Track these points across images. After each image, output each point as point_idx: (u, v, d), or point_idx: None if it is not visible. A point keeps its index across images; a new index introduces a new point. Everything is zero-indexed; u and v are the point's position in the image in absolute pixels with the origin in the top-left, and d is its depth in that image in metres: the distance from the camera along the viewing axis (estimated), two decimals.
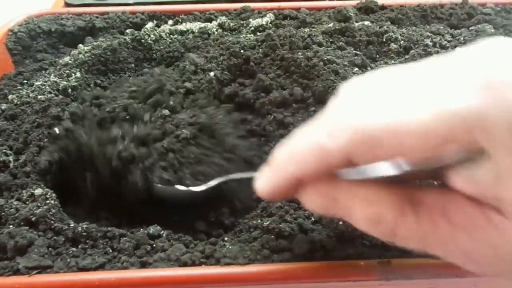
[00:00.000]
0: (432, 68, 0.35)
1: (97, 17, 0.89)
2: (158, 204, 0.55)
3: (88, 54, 0.77)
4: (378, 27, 0.81)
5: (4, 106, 0.69)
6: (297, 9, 0.91)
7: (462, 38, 0.80)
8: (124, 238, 0.54)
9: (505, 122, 0.29)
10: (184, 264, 0.50)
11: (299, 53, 0.71)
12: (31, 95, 0.69)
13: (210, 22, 0.89)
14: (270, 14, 0.89)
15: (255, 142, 0.64)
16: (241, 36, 0.79)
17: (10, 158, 0.61)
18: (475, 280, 0.50)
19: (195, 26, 0.86)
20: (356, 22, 0.84)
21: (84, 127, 0.61)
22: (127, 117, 0.60)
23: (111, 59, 0.78)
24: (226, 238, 0.53)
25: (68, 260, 0.50)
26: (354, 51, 0.76)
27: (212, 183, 0.54)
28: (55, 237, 0.53)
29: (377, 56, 0.78)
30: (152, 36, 0.83)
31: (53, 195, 0.57)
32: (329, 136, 0.35)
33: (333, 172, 0.37)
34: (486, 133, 0.30)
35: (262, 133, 0.66)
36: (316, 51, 0.72)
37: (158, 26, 0.88)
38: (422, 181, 0.40)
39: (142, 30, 0.85)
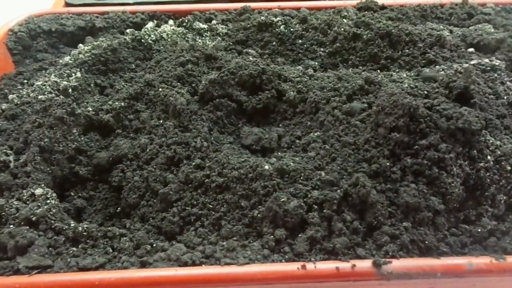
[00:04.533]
0: None
1: (97, 17, 0.90)
2: None
3: (88, 54, 0.77)
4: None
5: (4, 106, 0.69)
6: (297, 9, 0.91)
7: (460, 33, 0.81)
8: (124, 238, 0.55)
9: None
10: (184, 264, 0.50)
11: None
12: (31, 95, 0.69)
13: (210, 22, 0.89)
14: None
15: None
16: None
17: (11, 158, 0.61)
18: (473, 280, 0.51)
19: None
20: None
21: None
22: None
23: (111, 59, 0.78)
24: (224, 243, 0.54)
25: (69, 260, 0.50)
26: None
27: None
28: (56, 237, 0.53)
29: None
30: (152, 36, 0.83)
31: (54, 194, 0.58)
32: None
33: None
34: None
35: None
36: None
37: (158, 26, 0.88)
38: None
39: (142, 30, 0.85)
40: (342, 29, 0.81)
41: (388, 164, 0.56)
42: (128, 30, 0.86)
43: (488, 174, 0.58)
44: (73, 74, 0.73)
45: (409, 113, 0.57)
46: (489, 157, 0.58)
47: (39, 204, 0.55)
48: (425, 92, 0.62)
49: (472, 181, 0.57)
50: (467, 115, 0.57)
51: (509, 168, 0.58)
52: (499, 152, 0.59)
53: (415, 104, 0.57)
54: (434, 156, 0.55)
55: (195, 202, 0.57)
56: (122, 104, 0.69)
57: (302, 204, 0.54)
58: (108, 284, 0.47)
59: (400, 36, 0.78)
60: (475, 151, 0.58)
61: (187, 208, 0.57)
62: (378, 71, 0.75)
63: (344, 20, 0.85)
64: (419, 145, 0.56)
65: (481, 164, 0.58)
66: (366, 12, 0.88)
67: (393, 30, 0.78)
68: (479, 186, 0.58)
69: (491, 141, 0.59)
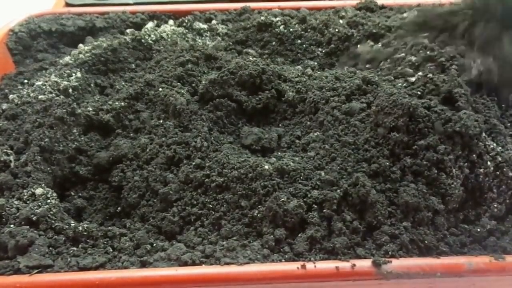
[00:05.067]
0: None
1: (97, 17, 0.90)
2: None
3: (88, 54, 0.77)
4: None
5: (4, 106, 0.69)
6: (297, 9, 0.91)
7: None
8: (125, 237, 0.55)
9: None
10: (184, 264, 0.50)
11: None
12: (31, 95, 0.69)
13: (210, 22, 0.89)
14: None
15: None
16: None
17: (11, 158, 0.61)
18: (473, 280, 0.51)
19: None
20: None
21: None
22: None
23: (112, 59, 0.78)
24: (224, 243, 0.54)
25: (69, 259, 0.50)
26: None
27: None
28: (56, 237, 0.53)
29: None
30: (152, 36, 0.83)
31: (54, 194, 0.58)
32: None
33: None
34: None
35: None
36: None
37: (158, 26, 0.89)
38: None
39: (143, 30, 0.85)
40: (336, 30, 0.82)
41: (387, 164, 0.57)
42: (128, 30, 0.86)
43: (487, 179, 0.57)
44: (73, 74, 0.73)
45: (408, 112, 0.57)
46: (489, 163, 0.57)
47: (39, 203, 0.55)
48: (419, 92, 0.62)
49: (470, 185, 0.57)
50: (465, 119, 0.57)
51: (510, 174, 0.58)
52: (500, 159, 0.58)
53: (414, 103, 0.57)
54: (433, 158, 0.55)
55: (195, 202, 0.57)
56: (122, 104, 0.69)
57: (302, 204, 0.54)
58: (108, 284, 0.48)
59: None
60: (474, 155, 0.57)
61: (187, 208, 0.57)
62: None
63: (340, 20, 0.85)
64: (418, 145, 0.56)
65: (481, 170, 0.57)
66: (362, 12, 0.88)
67: (374, 30, 0.80)
68: (478, 192, 0.58)
69: (491, 147, 0.58)
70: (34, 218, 0.53)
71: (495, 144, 0.59)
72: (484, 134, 0.58)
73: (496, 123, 0.61)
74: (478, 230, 0.55)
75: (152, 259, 0.51)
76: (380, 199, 0.54)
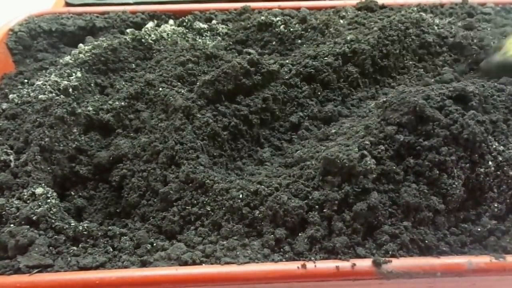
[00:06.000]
0: None
1: (97, 17, 0.90)
2: None
3: (88, 54, 0.77)
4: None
5: (5, 106, 0.69)
6: (297, 9, 0.91)
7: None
8: (125, 237, 0.55)
9: None
10: (185, 263, 0.50)
11: None
12: (31, 94, 0.69)
13: (210, 22, 0.89)
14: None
15: None
16: None
17: (11, 158, 0.61)
18: (473, 279, 0.51)
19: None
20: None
21: None
22: None
23: (112, 59, 0.78)
24: (224, 243, 0.53)
25: (69, 259, 0.50)
26: None
27: None
28: (56, 236, 0.53)
29: None
30: (152, 35, 0.83)
31: (54, 194, 0.58)
32: None
33: None
34: None
35: None
36: None
37: (158, 25, 0.89)
38: None
39: (143, 29, 0.85)
40: (337, 30, 0.82)
41: (391, 164, 0.56)
42: (128, 30, 0.86)
43: (488, 179, 0.57)
44: (74, 74, 0.73)
45: (414, 111, 0.56)
46: (490, 162, 0.57)
47: (39, 203, 0.55)
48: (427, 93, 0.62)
49: (471, 184, 0.57)
50: (473, 125, 0.56)
51: (511, 173, 0.58)
52: (500, 158, 0.57)
53: (421, 103, 0.56)
54: (435, 159, 0.55)
55: (195, 201, 0.57)
56: (122, 103, 0.69)
57: (302, 204, 0.54)
58: (109, 283, 0.47)
59: None
60: (476, 155, 0.57)
61: (187, 207, 0.57)
62: None
63: (340, 20, 0.85)
64: (421, 146, 0.56)
65: (481, 170, 0.57)
66: (363, 11, 0.88)
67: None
68: (478, 191, 0.57)
69: (494, 147, 0.58)
70: (34, 218, 0.53)
71: (497, 144, 0.59)
72: (489, 137, 0.58)
73: (498, 122, 0.61)
74: (479, 229, 0.55)
75: (152, 258, 0.51)
76: (382, 200, 0.54)
